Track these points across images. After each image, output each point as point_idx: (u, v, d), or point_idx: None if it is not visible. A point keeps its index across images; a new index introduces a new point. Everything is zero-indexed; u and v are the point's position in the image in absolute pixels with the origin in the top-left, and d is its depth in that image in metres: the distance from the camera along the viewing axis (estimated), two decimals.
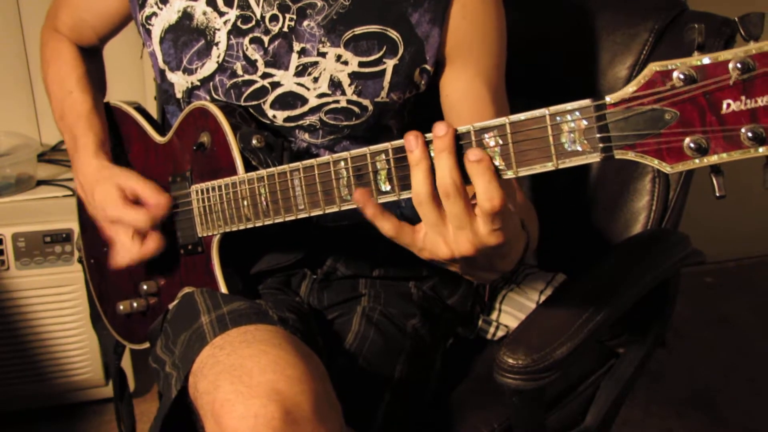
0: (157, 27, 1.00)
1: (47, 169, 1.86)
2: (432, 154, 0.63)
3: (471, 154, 0.61)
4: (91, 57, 1.18)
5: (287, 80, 0.96)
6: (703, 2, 1.04)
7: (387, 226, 0.66)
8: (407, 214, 1.05)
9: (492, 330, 1.17)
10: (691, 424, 1.85)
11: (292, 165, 0.78)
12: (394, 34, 0.94)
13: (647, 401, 1.93)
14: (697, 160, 0.54)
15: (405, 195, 0.67)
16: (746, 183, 1.20)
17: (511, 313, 1.17)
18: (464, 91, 0.96)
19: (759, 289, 2.55)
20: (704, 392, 1.98)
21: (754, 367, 2.09)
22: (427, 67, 0.96)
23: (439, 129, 0.62)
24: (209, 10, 0.97)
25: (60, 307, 1.69)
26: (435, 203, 0.63)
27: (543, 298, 1.17)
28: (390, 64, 0.95)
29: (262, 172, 0.83)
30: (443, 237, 0.64)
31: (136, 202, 0.97)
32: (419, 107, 1.02)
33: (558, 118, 0.58)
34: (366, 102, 0.96)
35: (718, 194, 0.55)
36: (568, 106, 0.58)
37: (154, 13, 1.00)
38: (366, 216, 0.66)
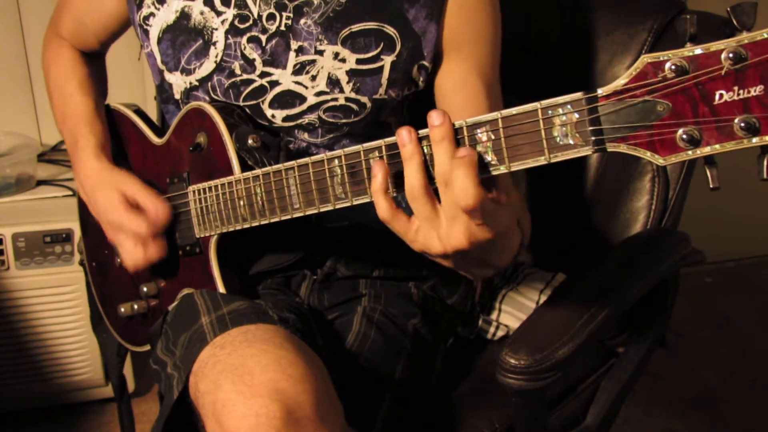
0: (155, 27, 1.00)
1: (47, 169, 1.86)
2: (425, 150, 0.64)
3: (460, 150, 0.61)
4: (93, 62, 1.18)
5: (285, 79, 0.96)
6: (703, 2, 1.04)
7: (383, 206, 0.66)
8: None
9: (492, 330, 1.17)
10: (691, 424, 1.85)
11: (287, 164, 0.78)
12: (390, 30, 0.94)
13: (647, 401, 1.93)
14: (690, 152, 0.53)
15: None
16: (746, 182, 1.20)
17: (511, 313, 1.17)
18: (459, 84, 0.96)
19: (759, 289, 2.55)
20: (704, 392, 1.97)
21: (754, 367, 2.09)
22: (425, 63, 0.96)
23: (436, 118, 0.62)
24: (206, 9, 0.97)
25: (60, 307, 1.69)
26: (428, 197, 0.63)
27: (543, 298, 1.17)
28: (388, 60, 0.95)
29: (258, 171, 0.83)
30: (436, 231, 0.64)
31: (137, 206, 0.97)
32: (418, 104, 1.02)
33: (550, 112, 0.58)
34: (364, 99, 0.96)
35: (711, 186, 0.55)
36: (560, 99, 0.58)
37: (152, 14, 1.00)
38: (372, 190, 0.66)
